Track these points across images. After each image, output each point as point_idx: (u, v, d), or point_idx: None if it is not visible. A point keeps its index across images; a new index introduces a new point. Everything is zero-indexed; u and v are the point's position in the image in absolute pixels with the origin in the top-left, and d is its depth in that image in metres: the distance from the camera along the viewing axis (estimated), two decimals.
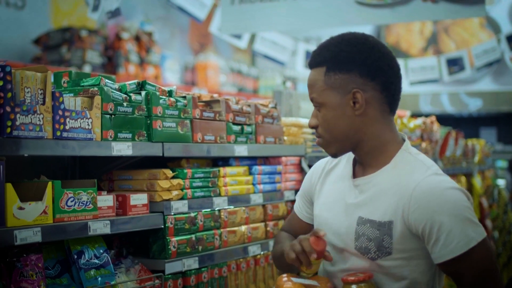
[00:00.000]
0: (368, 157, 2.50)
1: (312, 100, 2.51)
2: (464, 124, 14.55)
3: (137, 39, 9.10)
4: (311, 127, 2.54)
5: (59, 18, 8.74)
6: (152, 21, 9.84)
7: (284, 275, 2.56)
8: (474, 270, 2.31)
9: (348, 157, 2.62)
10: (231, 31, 6.49)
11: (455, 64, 8.75)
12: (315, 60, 2.51)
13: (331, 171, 2.67)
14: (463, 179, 7.41)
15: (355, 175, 2.55)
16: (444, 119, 11.84)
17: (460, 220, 2.29)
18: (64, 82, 3.10)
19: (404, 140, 2.54)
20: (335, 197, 2.58)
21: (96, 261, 2.90)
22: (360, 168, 2.55)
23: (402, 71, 9.01)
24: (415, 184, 2.36)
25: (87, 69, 7.97)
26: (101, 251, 2.94)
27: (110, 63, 8.67)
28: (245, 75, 11.88)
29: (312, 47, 8.86)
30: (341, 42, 2.48)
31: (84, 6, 5.46)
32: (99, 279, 2.87)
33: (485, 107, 14.25)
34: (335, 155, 2.55)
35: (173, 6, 6.86)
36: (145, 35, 9.22)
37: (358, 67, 2.42)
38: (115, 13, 4.69)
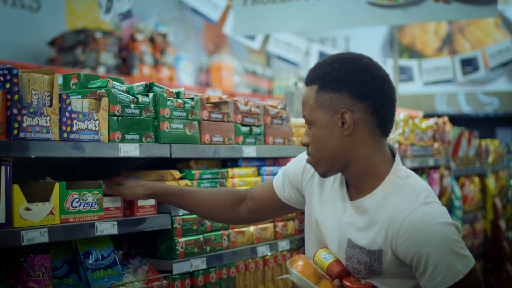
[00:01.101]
0: (357, 179, 2.47)
1: (304, 117, 2.49)
2: (480, 124, 14.49)
3: (152, 40, 9.14)
4: (303, 144, 2.52)
5: (74, 20, 8.80)
6: (166, 22, 9.89)
7: (300, 255, 2.62)
8: None
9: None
10: (243, 32, 6.50)
11: (469, 64, 8.73)
12: (309, 77, 2.50)
13: (324, 180, 2.64)
14: (476, 179, 7.39)
15: (349, 195, 2.53)
16: (460, 120, 11.80)
17: (447, 254, 2.29)
18: (72, 84, 3.13)
19: (394, 158, 2.50)
20: (331, 212, 2.56)
21: (104, 261, 2.93)
22: (352, 189, 2.53)
23: (416, 72, 9.05)
24: (404, 217, 2.34)
25: (101, 70, 8.02)
26: (109, 251, 2.97)
27: (125, 64, 8.73)
28: (260, 76, 11.91)
29: (326, 48, 8.87)
30: (335, 61, 2.45)
31: (98, 8, 5.51)
32: (106, 279, 2.89)
33: (502, 107, 14.19)
34: (324, 175, 2.52)
35: (186, 8, 6.89)
36: (159, 37, 9.26)
37: (348, 88, 2.40)
38: (127, 15, 4.72)
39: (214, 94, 5.94)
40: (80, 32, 8.20)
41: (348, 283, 2.47)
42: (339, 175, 2.57)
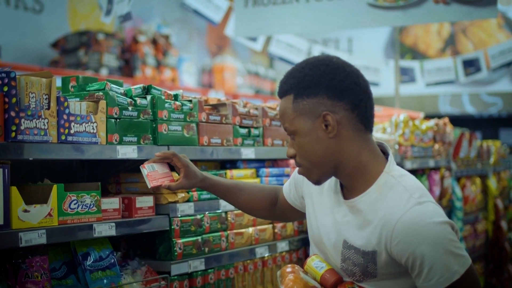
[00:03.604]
0: (350, 180, 2.46)
1: (285, 130, 2.47)
2: (484, 125, 14.49)
3: (154, 42, 9.17)
4: (289, 156, 2.50)
5: (77, 21, 8.84)
6: (169, 24, 9.92)
7: (289, 266, 2.58)
8: None
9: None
10: (245, 34, 6.53)
11: (471, 65, 8.73)
12: (282, 88, 2.48)
13: None
14: (477, 180, 7.40)
15: (343, 195, 2.52)
16: (464, 120, 11.79)
17: (442, 255, 2.28)
18: (71, 87, 3.16)
19: (387, 158, 2.50)
20: (326, 211, 2.56)
21: (102, 262, 2.95)
22: (346, 189, 2.52)
23: (418, 73, 9.05)
24: (397, 218, 2.33)
25: (104, 72, 8.05)
26: (107, 252, 2.99)
27: (127, 66, 8.76)
28: (262, 77, 11.94)
29: (329, 50, 8.87)
30: (305, 67, 2.43)
31: (100, 10, 5.55)
32: (105, 280, 2.92)
33: (505, 108, 14.18)
34: (318, 182, 2.51)
35: (188, 9, 6.92)
36: (162, 38, 9.29)
37: (325, 89, 2.38)
38: (126, 17, 4.75)
39: (216, 95, 5.97)
40: (83, 34, 8.24)
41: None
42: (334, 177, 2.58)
